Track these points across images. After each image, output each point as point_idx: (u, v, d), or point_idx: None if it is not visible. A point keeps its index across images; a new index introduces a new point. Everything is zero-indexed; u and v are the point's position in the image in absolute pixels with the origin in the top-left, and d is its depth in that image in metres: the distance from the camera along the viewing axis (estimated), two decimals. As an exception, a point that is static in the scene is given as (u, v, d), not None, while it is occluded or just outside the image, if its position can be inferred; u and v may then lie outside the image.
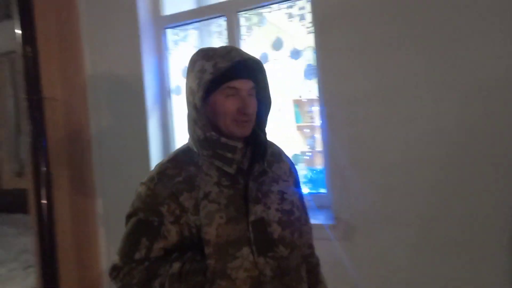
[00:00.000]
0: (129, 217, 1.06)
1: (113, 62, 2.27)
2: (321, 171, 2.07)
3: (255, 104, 1.06)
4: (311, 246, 1.25)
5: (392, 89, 1.69)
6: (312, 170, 2.16)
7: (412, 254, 1.70)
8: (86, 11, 2.35)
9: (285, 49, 2.02)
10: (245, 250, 0.99)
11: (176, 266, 0.98)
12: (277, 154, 1.18)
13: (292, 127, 4.13)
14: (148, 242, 1.01)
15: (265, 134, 1.11)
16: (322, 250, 1.34)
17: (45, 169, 2.24)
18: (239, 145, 1.03)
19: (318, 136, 4.11)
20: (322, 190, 1.99)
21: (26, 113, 2.29)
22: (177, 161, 1.07)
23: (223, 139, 1.02)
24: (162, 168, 1.05)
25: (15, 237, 6.51)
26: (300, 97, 4.32)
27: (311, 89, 4.16)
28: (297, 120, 4.23)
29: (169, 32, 2.34)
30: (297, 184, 1.20)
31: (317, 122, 4.16)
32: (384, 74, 1.70)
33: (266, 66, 1.10)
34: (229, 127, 1.03)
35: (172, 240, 1.01)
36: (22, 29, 2.24)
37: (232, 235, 0.99)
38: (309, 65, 2.01)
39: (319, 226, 1.77)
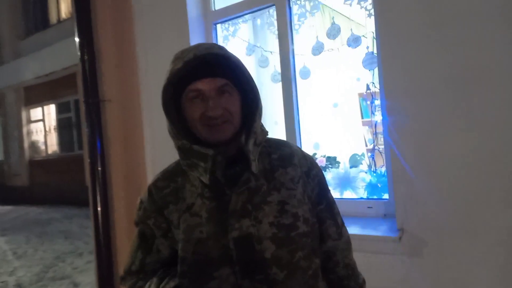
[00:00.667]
0: (135, 225, 1.05)
1: (163, 61, 2.24)
2: (383, 174, 1.81)
3: (228, 103, 0.91)
4: (348, 266, 1.06)
5: (467, 79, 1.40)
6: (373, 172, 1.90)
7: (500, 278, 1.39)
8: (138, 11, 2.34)
9: (342, 37, 1.80)
10: (225, 270, 0.88)
11: (154, 285, 0.96)
12: (287, 157, 1.01)
13: (357, 123, 3.83)
14: (141, 255, 1.01)
15: (254, 134, 0.94)
16: (384, 267, 1.12)
17: (100, 168, 2.28)
18: (210, 152, 0.90)
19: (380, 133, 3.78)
20: (385, 196, 1.74)
21: (85, 115, 2.34)
22: (168, 172, 1.02)
23: (195, 147, 0.92)
24: (154, 180, 1.02)
25: (93, 231, 7.02)
26: (369, 90, 4.01)
27: (373, 81, 3.83)
28: (365, 115, 3.92)
29: (219, 27, 2.25)
30: (317, 192, 1.01)
31: (379, 117, 3.84)
32: (457, 61, 1.42)
33: (240, 59, 0.95)
34: (201, 133, 0.92)
35: (165, 254, 0.99)
36: (80, 34, 2.30)
37: (211, 253, 0.89)
38: (369, 54, 1.77)
39: (381, 239, 1.53)
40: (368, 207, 1.68)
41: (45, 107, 12.10)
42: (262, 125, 1.00)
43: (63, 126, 11.62)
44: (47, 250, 5.98)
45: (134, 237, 1.04)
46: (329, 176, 1.93)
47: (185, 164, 0.95)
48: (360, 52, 1.78)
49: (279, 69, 1.95)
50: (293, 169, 0.99)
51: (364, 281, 1.09)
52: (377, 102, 3.86)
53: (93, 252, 5.66)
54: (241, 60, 0.96)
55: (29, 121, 12.64)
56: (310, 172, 1.01)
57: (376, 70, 1.75)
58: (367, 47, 1.77)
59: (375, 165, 1.93)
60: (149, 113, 2.37)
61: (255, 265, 0.88)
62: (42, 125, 12.24)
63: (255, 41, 2.20)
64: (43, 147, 12.29)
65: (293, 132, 1.82)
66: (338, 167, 2.01)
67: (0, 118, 13.35)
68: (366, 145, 3.75)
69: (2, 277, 4.76)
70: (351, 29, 1.75)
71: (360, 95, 3.95)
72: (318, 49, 1.87)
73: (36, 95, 11.99)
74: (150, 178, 2.35)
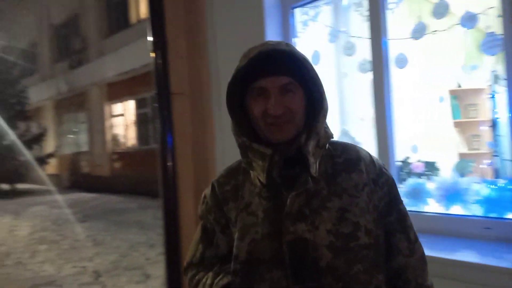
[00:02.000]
0: (200, 219, 1.07)
1: (235, 52, 2.08)
2: (504, 187, 1.45)
3: (291, 102, 0.90)
4: (421, 286, 0.95)
5: None
6: (491, 184, 1.53)
7: None
8: (211, 4, 2.22)
9: (451, 16, 1.47)
10: (277, 273, 0.87)
11: (210, 279, 0.98)
12: (352, 162, 0.95)
13: (448, 124, 3.37)
14: (202, 249, 1.04)
15: (316, 135, 0.92)
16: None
17: (170, 162, 2.21)
18: (268, 151, 0.90)
19: (485, 136, 3.27)
20: (509, 216, 1.39)
21: (156, 108, 2.28)
22: (231, 169, 1.03)
23: (254, 145, 0.92)
24: (218, 176, 1.04)
25: (165, 222, 7.25)
26: (460, 86, 3.52)
27: (477, 75, 3.33)
28: (455, 116, 3.44)
29: (298, 12, 2.02)
30: (386, 202, 0.94)
31: (484, 117, 3.33)
32: None
33: (306, 57, 0.91)
34: (263, 132, 0.92)
35: (223, 249, 1.00)
36: (152, 26, 2.24)
37: (265, 254, 0.88)
38: (490, 35, 1.42)
39: (502, 271, 1.19)
40: (485, 228, 1.34)
41: (125, 103, 12.88)
42: (327, 127, 0.96)
43: (141, 121, 12.27)
44: (123, 238, 6.27)
45: (197, 229, 1.07)
46: (432, 186, 1.61)
47: (245, 162, 0.95)
48: (477, 33, 1.44)
49: (368, 57, 1.68)
50: (358, 175, 0.93)
51: None
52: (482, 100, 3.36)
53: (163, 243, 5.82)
54: (308, 58, 0.92)
55: (111, 116, 13.56)
56: (379, 180, 0.95)
57: (500, 55, 1.40)
58: (487, 27, 1.42)
59: (496, 174, 1.57)
60: (219, 106, 2.23)
61: (308, 272, 0.85)
62: (122, 120, 13.05)
63: (339, 26, 1.93)
64: (123, 140, 13.11)
65: (383, 131, 1.54)
66: (437, 174, 1.69)
67: (86, 113, 14.50)
68: (458, 149, 3.29)
69: (82, 262, 5.05)
70: (466, 6, 1.42)
71: (452, 92, 3.49)
72: (419, 31, 1.55)
73: (117, 91, 12.80)
74: (219, 173, 2.24)
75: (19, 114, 14.34)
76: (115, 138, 13.45)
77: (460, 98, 3.43)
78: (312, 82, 0.92)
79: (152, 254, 5.35)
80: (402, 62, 1.59)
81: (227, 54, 2.13)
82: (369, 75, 1.62)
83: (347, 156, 0.97)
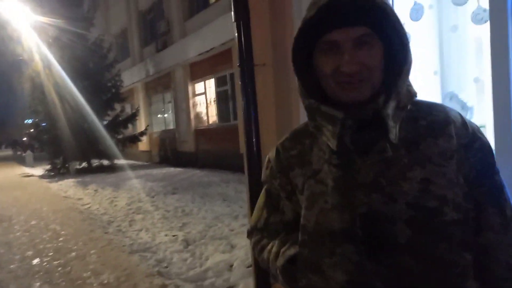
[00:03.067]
0: (263, 184, 1.03)
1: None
2: None
3: (368, 56, 0.78)
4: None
5: None
6: None
7: None
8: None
9: None
10: (349, 248, 0.79)
11: (276, 247, 0.93)
12: (439, 125, 0.82)
13: None
14: (266, 214, 0.99)
15: (397, 95, 0.80)
16: None
17: (254, 138, 2.18)
18: (339, 114, 0.80)
19: None
20: None
21: (240, 82, 2.25)
22: (296, 132, 0.96)
23: (323, 108, 0.83)
24: (282, 139, 0.98)
25: (247, 196, 7.45)
26: None
27: None
28: None
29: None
30: (478, 170, 0.81)
31: None
32: None
33: (387, 1, 0.79)
34: (334, 92, 0.82)
35: (289, 216, 0.95)
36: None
37: (335, 226, 0.81)
38: None
39: None
40: None
41: (207, 82, 13.32)
42: (409, 85, 0.84)
43: (221, 99, 12.63)
44: (208, 210, 6.59)
45: (261, 194, 1.02)
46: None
47: (312, 125, 0.87)
48: None
49: (484, 5, 1.42)
50: (447, 141, 0.80)
51: None
52: None
53: (247, 215, 5.98)
54: (389, 3, 0.80)
55: (194, 95, 14.16)
56: (472, 145, 0.82)
57: None
58: None
59: None
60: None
61: (384, 249, 0.77)
62: (204, 98, 13.56)
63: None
64: (205, 118, 13.67)
65: (505, 94, 1.28)
66: None
67: (172, 93, 15.34)
68: None
69: (173, 231, 5.42)
70: None
71: None
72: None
73: (199, 70, 13.28)
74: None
75: (115, 96, 15.69)
76: (198, 116, 14.07)
77: None
78: (393, 32, 0.79)
79: (236, 225, 5.53)
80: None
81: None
82: (486, 27, 1.37)
83: (433, 118, 0.83)
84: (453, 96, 1.47)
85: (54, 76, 13.63)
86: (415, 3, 1.68)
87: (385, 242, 0.77)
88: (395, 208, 0.77)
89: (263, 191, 1.02)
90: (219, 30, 10.94)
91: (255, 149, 2.24)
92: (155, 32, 15.66)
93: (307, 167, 0.89)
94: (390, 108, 0.80)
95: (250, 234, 1.05)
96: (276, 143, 0.99)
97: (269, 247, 0.96)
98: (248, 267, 3.90)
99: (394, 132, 0.79)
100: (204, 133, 13.53)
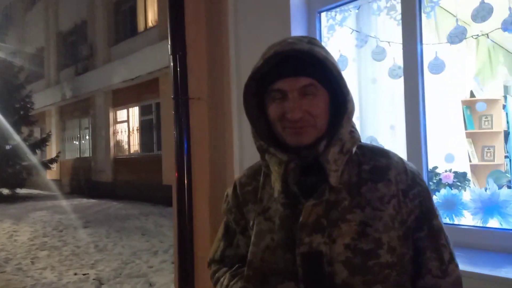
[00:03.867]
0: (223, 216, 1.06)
1: (259, 56, 2.04)
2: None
3: (311, 105, 0.83)
4: None
5: None
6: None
7: None
8: (233, 2, 2.17)
9: (495, 19, 1.41)
10: (289, 286, 0.83)
11: (226, 280, 0.97)
12: (381, 170, 0.87)
13: (460, 135, 3.32)
14: (223, 246, 1.03)
15: (339, 141, 0.85)
16: None
17: (186, 168, 2.15)
18: (284, 157, 0.85)
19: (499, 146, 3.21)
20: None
21: (174, 114, 2.23)
22: (253, 169, 1.00)
23: (271, 150, 0.87)
24: (240, 175, 1.02)
25: (170, 229, 7.15)
26: (474, 96, 3.48)
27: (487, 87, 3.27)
28: (469, 126, 3.39)
29: (324, 16, 1.97)
30: (416, 216, 0.86)
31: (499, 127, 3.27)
32: None
33: (330, 55, 0.87)
34: (281, 136, 0.87)
35: (242, 250, 0.98)
36: (172, 28, 2.20)
37: (278, 263, 0.84)
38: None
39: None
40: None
41: (130, 109, 12.86)
42: (353, 130, 0.88)
43: (145, 128, 12.23)
44: (125, 245, 6.17)
45: (220, 227, 1.06)
46: (467, 197, 1.54)
47: (264, 165, 0.92)
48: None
49: (399, 62, 1.63)
50: (386, 186, 0.85)
51: None
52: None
53: (167, 251, 5.71)
54: (331, 56, 0.87)
55: (115, 122, 13.54)
56: (410, 191, 0.86)
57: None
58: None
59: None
60: (239, 113, 2.18)
61: (321, 284, 0.80)
62: (127, 126, 13.02)
63: (369, 30, 1.89)
64: (126, 147, 13.06)
65: (417, 139, 1.47)
66: (468, 185, 1.62)
67: (90, 119, 14.49)
68: (470, 161, 3.24)
69: (84, 269, 4.95)
70: (510, 8, 1.36)
71: (464, 102, 3.45)
72: (457, 35, 1.50)
73: (123, 97, 12.81)
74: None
75: (23, 119, 14.33)
76: (118, 144, 13.41)
77: (473, 110, 3.39)
78: (335, 83, 0.85)
79: (155, 261, 5.25)
80: (438, 67, 1.54)
81: (250, 59, 2.09)
82: (400, 81, 1.57)
83: (375, 163, 0.88)
84: (372, 140, 1.63)
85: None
86: (341, 55, 1.87)
87: (323, 281, 0.80)
88: (333, 249, 0.81)
89: (222, 223, 1.06)
90: (147, 59, 10.77)
91: (186, 183, 2.20)
92: (76, 55, 14.88)
93: (259, 204, 0.93)
94: (331, 154, 0.84)
95: (209, 264, 1.09)
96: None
97: (221, 279, 1.00)
98: (168, 306, 3.70)
99: (334, 176, 0.84)
100: (124, 162, 12.88)
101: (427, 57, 1.58)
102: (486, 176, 2.64)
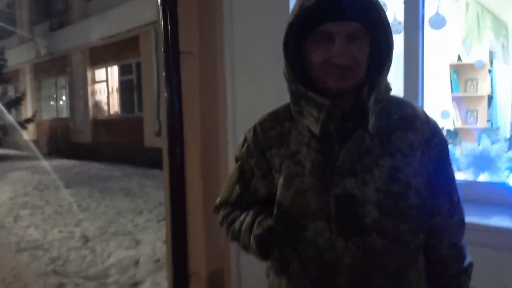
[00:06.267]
0: (235, 161, 1.06)
1: (254, 8, 1.98)
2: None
3: (357, 51, 0.84)
4: (454, 246, 0.94)
5: None
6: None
7: None
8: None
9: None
10: (321, 224, 0.86)
11: (250, 217, 0.98)
12: (408, 119, 0.91)
13: (446, 98, 3.39)
14: (239, 190, 1.03)
15: (377, 89, 0.86)
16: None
17: (178, 133, 2.12)
18: (326, 101, 0.85)
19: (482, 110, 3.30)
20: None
21: (163, 69, 2.16)
22: (276, 114, 0.99)
23: (311, 94, 0.87)
24: (261, 120, 1.01)
25: (154, 190, 7.18)
26: (460, 60, 3.53)
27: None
28: (454, 90, 3.46)
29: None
30: (436, 163, 0.91)
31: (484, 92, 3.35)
32: None
33: (380, 2, 0.85)
34: (321, 80, 0.87)
35: (261, 194, 1.00)
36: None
37: (309, 205, 0.87)
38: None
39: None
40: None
41: (109, 68, 12.45)
42: (386, 81, 0.90)
43: (125, 88, 11.92)
44: (108, 205, 6.18)
45: (233, 171, 1.05)
46: (458, 152, 1.59)
47: (295, 110, 0.91)
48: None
49: (399, 18, 1.61)
50: (414, 134, 0.89)
51: (471, 265, 0.96)
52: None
53: (151, 211, 5.76)
54: (379, 2, 0.85)
55: (94, 82, 13.12)
56: (431, 140, 0.90)
57: None
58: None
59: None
60: (232, 69, 2.14)
61: (353, 228, 0.84)
62: (106, 86, 12.65)
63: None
64: (105, 107, 12.75)
65: (415, 96, 1.49)
66: (459, 143, 1.68)
67: (67, 78, 13.98)
68: (454, 124, 3.33)
69: (68, 227, 4.96)
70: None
71: (452, 66, 3.49)
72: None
73: (101, 56, 12.34)
74: (230, 140, 2.16)
75: (-4, 76, 13.72)
76: (97, 105, 13.08)
77: (460, 73, 3.44)
78: (381, 29, 0.86)
79: (140, 220, 5.30)
80: (438, 23, 1.53)
81: (244, 11, 2.02)
82: (400, 37, 1.56)
83: (403, 112, 0.91)
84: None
85: None
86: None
87: (355, 222, 0.84)
88: (366, 192, 0.84)
89: (235, 168, 1.05)
90: (126, 15, 10.32)
91: (178, 143, 2.17)
92: (50, 9, 14.10)
93: (286, 148, 0.93)
94: (372, 101, 0.85)
95: (218, 208, 1.09)
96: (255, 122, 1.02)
97: (241, 217, 1.00)
98: (156, 261, 3.78)
99: (371, 122, 0.86)
100: (104, 123, 12.62)
101: (428, 13, 1.57)
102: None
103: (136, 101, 11.44)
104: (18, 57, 15.44)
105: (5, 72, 14.31)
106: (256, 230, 0.95)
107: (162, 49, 2.16)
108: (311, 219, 0.87)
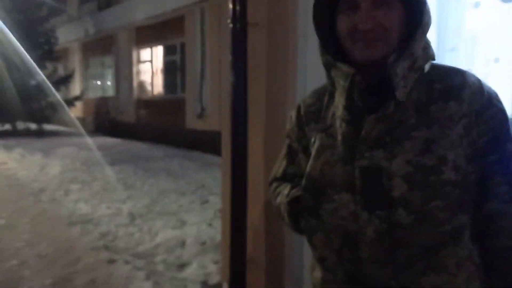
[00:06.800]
0: (286, 137, 1.09)
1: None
2: None
3: (385, 17, 0.81)
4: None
5: None
6: None
7: None
8: None
9: None
10: (346, 196, 0.85)
11: (287, 190, 1.02)
12: (454, 89, 0.83)
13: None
14: (285, 164, 1.08)
15: (410, 56, 0.82)
16: None
17: (243, 113, 1.97)
18: (351, 71, 0.84)
19: None
20: None
21: (231, 43, 2.02)
22: (319, 89, 1.01)
23: (338, 64, 0.86)
24: (307, 95, 1.04)
25: (195, 172, 7.20)
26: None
27: None
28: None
29: None
30: (489, 138, 0.82)
31: None
32: None
33: None
34: (350, 50, 0.85)
35: (303, 168, 0.98)
36: None
37: (335, 176, 0.86)
38: None
39: None
40: None
41: (154, 48, 12.56)
42: (427, 47, 0.85)
43: (168, 69, 12.00)
44: (152, 184, 6.24)
45: (283, 146, 1.09)
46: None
47: (329, 82, 0.92)
48: None
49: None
50: (457, 104, 0.82)
51: None
52: None
53: (194, 192, 5.74)
54: None
55: (139, 62, 13.31)
56: (484, 112, 0.82)
57: None
58: None
59: None
60: (304, 43, 1.96)
61: (378, 201, 0.82)
62: (150, 66, 12.80)
63: None
64: (149, 88, 12.94)
65: None
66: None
67: (113, 57, 14.28)
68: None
69: (115, 204, 5.03)
70: None
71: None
72: None
73: (146, 36, 12.46)
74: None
75: (47, 54, 14.20)
76: (141, 85, 13.29)
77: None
78: None
79: (184, 201, 5.30)
80: None
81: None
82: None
83: (448, 81, 0.85)
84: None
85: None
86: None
87: (381, 195, 0.81)
88: (394, 164, 0.81)
89: (285, 143, 1.08)
90: (172, -5, 10.29)
91: (241, 126, 2.03)
92: (97, -12, 14.36)
93: (322, 122, 0.94)
94: (400, 68, 0.81)
95: (271, 183, 1.12)
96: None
97: (282, 189, 1.05)
98: (202, 244, 3.73)
99: (402, 91, 0.81)
100: (147, 104, 12.83)
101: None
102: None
103: (179, 82, 11.50)
104: (67, 35, 15.92)
105: (55, 51, 14.80)
106: (286, 200, 1.00)
107: (229, 20, 2.01)
108: (337, 190, 0.86)
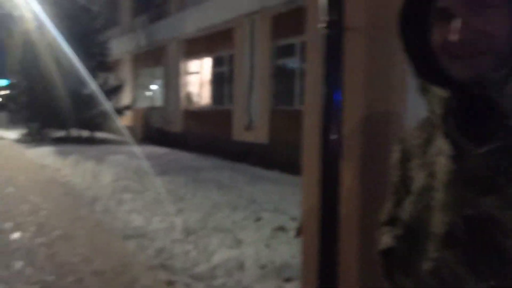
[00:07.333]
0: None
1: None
2: None
3: (488, 21, 0.64)
4: None
5: None
6: None
7: None
8: None
9: None
10: (448, 255, 0.67)
11: (385, 237, 0.88)
12: None
13: None
14: (390, 207, 0.91)
15: None
16: None
17: (336, 136, 1.71)
18: (442, 93, 0.68)
19: None
20: None
21: (325, 50, 1.77)
22: (424, 119, 0.82)
23: (432, 87, 0.71)
24: (413, 127, 0.87)
25: (245, 185, 7.00)
26: None
27: None
28: None
29: None
30: None
31: None
32: None
33: None
34: (446, 67, 0.69)
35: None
36: None
37: (435, 227, 0.69)
38: None
39: None
40: None
41: (202, 60, 12.67)
42: None
43: (217, 80, 12.03)
44: (203, 197, 6.09)
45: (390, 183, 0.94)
46: None
47: (429, 110, 0.75)
48: None
49: None
50: None
51: None
52: None
53: (247, 207, 5.51)
54: None
55: (187, 73, 13.49)
56: None
57: None
58: None
59: None
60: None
61: (490, 263, 0.63)
62: (198, 78, 12.92)
63: None
64: (197, 99, 13.04)
65: None
66: None
67: (162, 68, 14.58)
68: None
69: (169, 217, 4.91)
70: None
71: None
72: None
73: (195, 48, 12.62)
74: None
75: (100, 65, 14.78)
76: (189, 96, 13.43)
77: None
78: None
79: (237, 217, 5.08)
80: None
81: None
82: None
83: None
84: None
85: (42, 35, 12.59)
86: None
87: (493, 255, 0.63)
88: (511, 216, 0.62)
89: (390, 181, 0.94)
90: (222, 7, 10.32)
91: (334, 143, 1.77)
92: (149, 1, 14.79)
93: (424, 158, 0.79)
94: (510, 87, 0.64)
95: (379, 231, 0.97)
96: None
97: (383, 238, 0.91)
98: (263, 267, 3.47)
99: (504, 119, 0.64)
100: (195, 114, 12.92)
101: None
102: None
103: (226, 93, 11.47)
104: (120, 47, 16.53)
105: (108, 61, 15.37)
106: (378, 250, 0.87)
107: (324, 25, 1.76)
108: (435, 246, 0.70)
